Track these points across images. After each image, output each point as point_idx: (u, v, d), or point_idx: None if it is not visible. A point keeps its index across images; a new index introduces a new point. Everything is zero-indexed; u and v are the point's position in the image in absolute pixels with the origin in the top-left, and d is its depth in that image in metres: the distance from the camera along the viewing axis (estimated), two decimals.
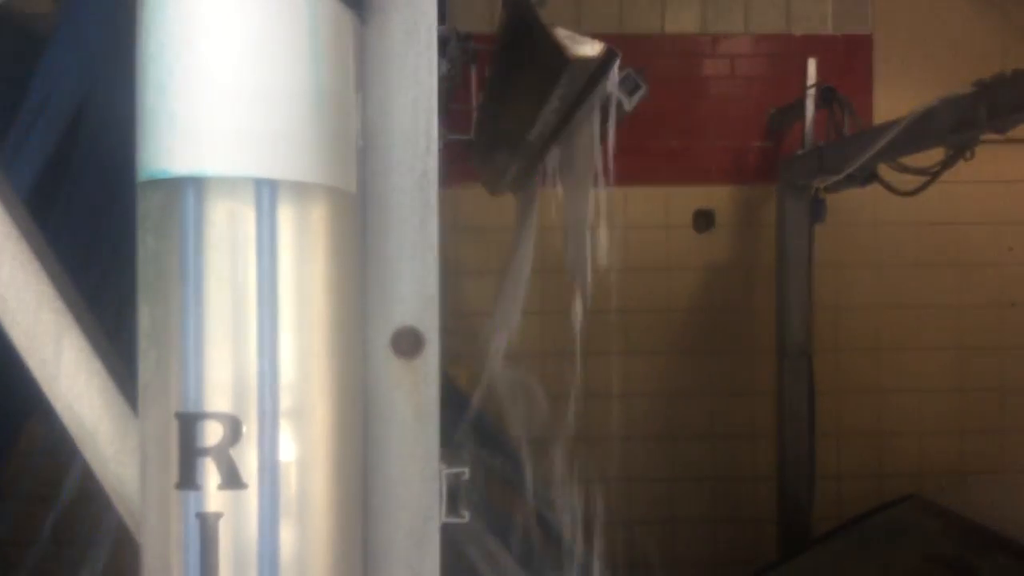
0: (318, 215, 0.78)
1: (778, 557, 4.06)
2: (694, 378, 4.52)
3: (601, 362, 3.77)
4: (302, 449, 0.77)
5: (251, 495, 0.73)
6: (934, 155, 3.08)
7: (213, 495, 0.73)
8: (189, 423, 0.73)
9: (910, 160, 3.29)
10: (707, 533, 4.55)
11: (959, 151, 2.93)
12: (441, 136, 0.92)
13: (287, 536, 0.75)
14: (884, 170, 3.47)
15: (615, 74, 1.71)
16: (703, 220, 4.52)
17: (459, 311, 4.28)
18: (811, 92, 4.06)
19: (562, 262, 2.20)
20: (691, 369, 4.53)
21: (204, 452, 0.72)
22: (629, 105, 1.97)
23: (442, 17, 0.95)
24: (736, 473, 4.56)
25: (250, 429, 0.74)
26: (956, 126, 2.77)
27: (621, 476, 4.41)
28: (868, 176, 3.50)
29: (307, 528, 0.77)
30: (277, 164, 0.75)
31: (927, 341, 4.57)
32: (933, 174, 3.19)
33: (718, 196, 4.51)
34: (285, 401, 0.75)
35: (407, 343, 0.91)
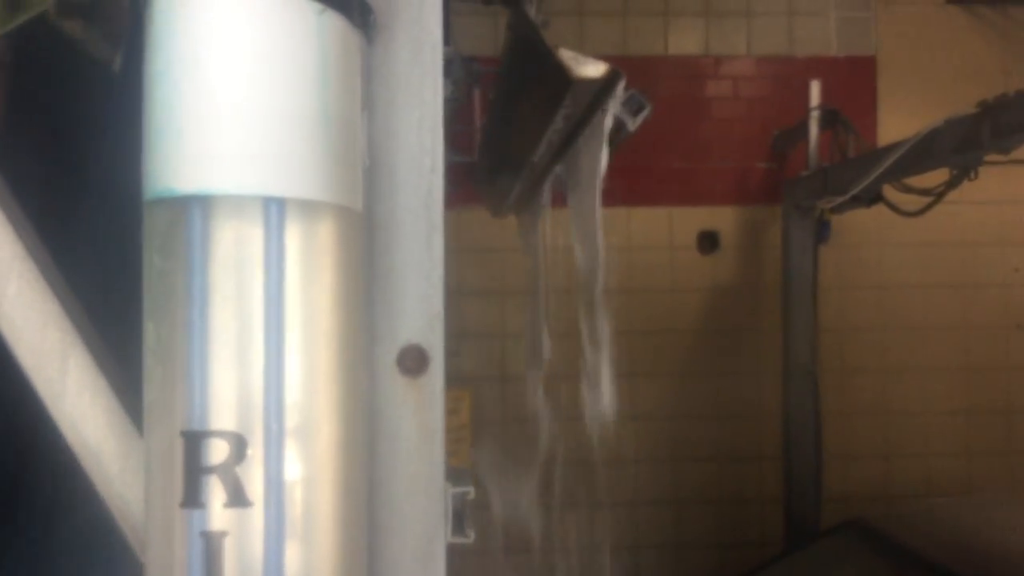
0: (325, 233, 0.78)
1: None
2: (699, 400, 4.51)
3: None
4: (308, 467, 0.76)
5: (256, 513, 0.73)
6: (938, 176, 3.09)
7: (218, 513, 0.72)
8: (194, 441, 0.72)
9: (914, 181, 3.30)
10: (714, 556, 4.52)
11: (963, 171, 2.93)
12: (444, 157, 0.92)
13: (293, 555, 0.75)
14: (889, 191, 3.48)
15: (619, 94, 1.72)
16: (708, 241, 4.52)
17: (461, 332, 4.28)
18: (815, 114, 4.08)
19: (570, 280, 2.20)
20: (696, 390, 4.51)
21: (209, 470, 0.72)
22: (633, 125, 1.98)
23: (446, 39, 0.96)
24: (742, 495, 4.53)
25: (256, 447, 0.73)
26: (960, 147, 2.78)
27: (627, 499, 4.40)
28: (873, 197, 3.51)
29: (313, 547, 0.77)
30: (284, 182, 0.75)
31: (933, 362, 4.56)
32: (938, 195, 3.19)
33: (723, 217, 4.52)
34: (291, 419, 0.75)
35: (412, 361, 0.91)
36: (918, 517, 3.41)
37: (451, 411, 4.09)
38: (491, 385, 4.31)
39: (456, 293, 4.30)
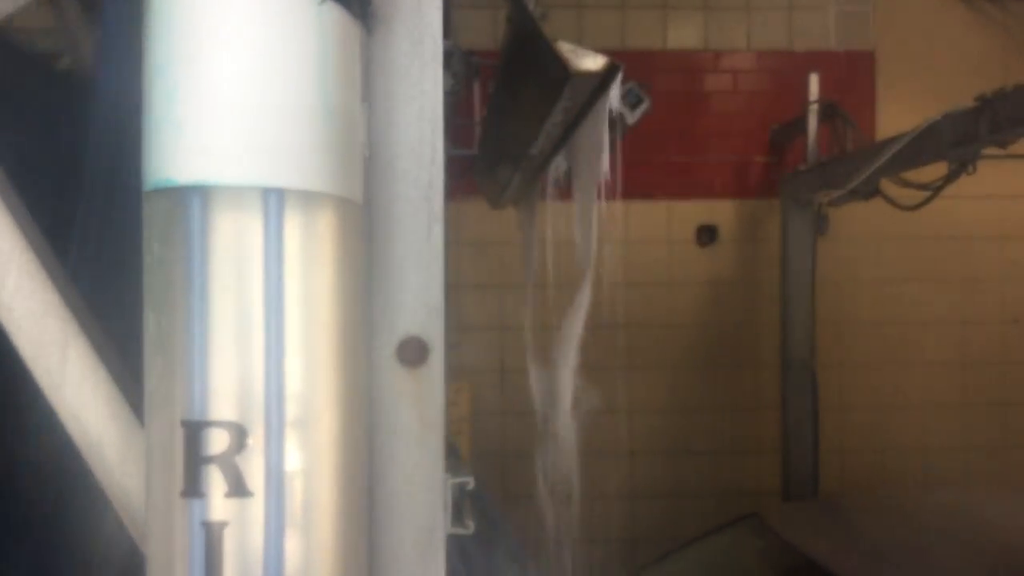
0: (325, 224, 0.78)
1: None
2: (697, 393, 4.51)
3: (603, 377, 3.77)
4: (308, 458, 0.77)
5: (257, 503, 0.73)
6: (936, 170, 3.09)
7: (219, 503, 0.72)
8: (195, 431, 0.72)
9: (912, 175, 3.30)
10: None
11: (961, 165, 2.93)
12: (444, 150, 0.92)
13: (292, 545, 0.75)
14: (887, 185, 3.48)
15: (618, 88, 1.71)
16: (706, 234, 4.52)
17: (460, 325, 4.28)
18: (813, 108, 4.07)
19: (565, 274, 2.20)
20: (694, 384, 4.52)
21: (210, 460, 0.72)
22: (632, 119, 1.98)
23: (447, 32, 0.96)
24: (740, 488, 4.54)
25: (256, 437, 0.73)
26: (958, 141, 2.78)
27: (625, 492, 4.40)
28: (871, 191, 3.51)
29: (312, 537, 0.77)
30: (284, 173, 0.75)
31: (931, 356, 4.57)
32: (935, 189, 3.19)
33: (721, 211, 4.52)
34: (291, 409, 0.75)
35: (412, 352, 0.91)
36: (812, 513, 3.40)
37: (450, 403, 4.09)
38: (491, 377, 4.32)
39: (455, 286, 4.30)
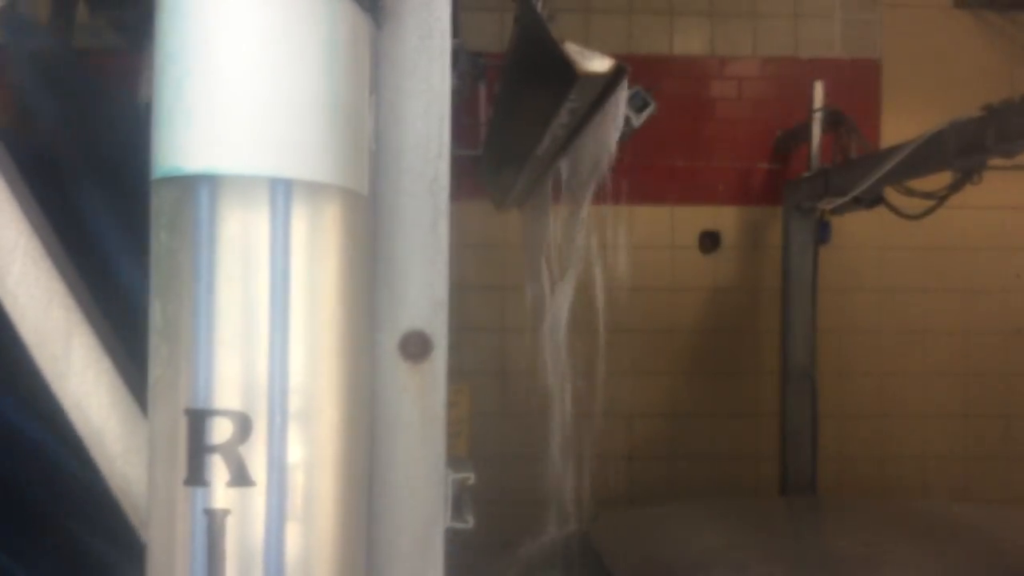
0: (331, 215, 0.78)
1: None
2: (697, 399, 4.51)
3: (603, 382, 3.77)
4: (310, 449, 0.77)
5: (259, 493, 0.73)
6: (941, 179, 3.08)
7: (221, 492, 0.72)
8: (198, 419, 0.72)
9: (917, 184, 3.29)
10: None
11: (966, 175, 2.93)
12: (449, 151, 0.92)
13: (293, 535, 0.75)
14: (891, 193, 3.48)
15: (624, 90, 1.71)
16: (709, 241, 4.52)
17: (461, 326, 4.28)
18: (818, 115, 4.07)
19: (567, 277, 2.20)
20: (694, 390, 4.52)
21: (213, 449, 0.72)
22: (637, 122, 1.98)
23: (454, 31, 0.96)
24: (739, 495, 4.54)
25: (259, 427, 0.74)
26: (964, 150, 2.77)
27: (624, 497, 4.40)
28: (874, 199, 3.50)
29: (313, 529, 0.77)
30: (291, 163, 0.75)
31: (932, 366, 4.56)
32: (940, 198, 3.19)
33: (724, 217, 4.52)
34: (294, 400, 0.75)
35: (415, 347, 0.91)
36: (644, 523, 3.37)
37: (450, 404, 4.09)
38: (491, 379, 4.32)
39: (456, 287, 4.29)
